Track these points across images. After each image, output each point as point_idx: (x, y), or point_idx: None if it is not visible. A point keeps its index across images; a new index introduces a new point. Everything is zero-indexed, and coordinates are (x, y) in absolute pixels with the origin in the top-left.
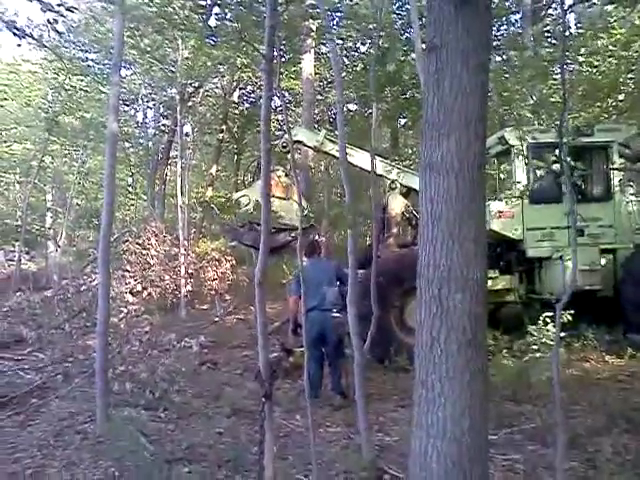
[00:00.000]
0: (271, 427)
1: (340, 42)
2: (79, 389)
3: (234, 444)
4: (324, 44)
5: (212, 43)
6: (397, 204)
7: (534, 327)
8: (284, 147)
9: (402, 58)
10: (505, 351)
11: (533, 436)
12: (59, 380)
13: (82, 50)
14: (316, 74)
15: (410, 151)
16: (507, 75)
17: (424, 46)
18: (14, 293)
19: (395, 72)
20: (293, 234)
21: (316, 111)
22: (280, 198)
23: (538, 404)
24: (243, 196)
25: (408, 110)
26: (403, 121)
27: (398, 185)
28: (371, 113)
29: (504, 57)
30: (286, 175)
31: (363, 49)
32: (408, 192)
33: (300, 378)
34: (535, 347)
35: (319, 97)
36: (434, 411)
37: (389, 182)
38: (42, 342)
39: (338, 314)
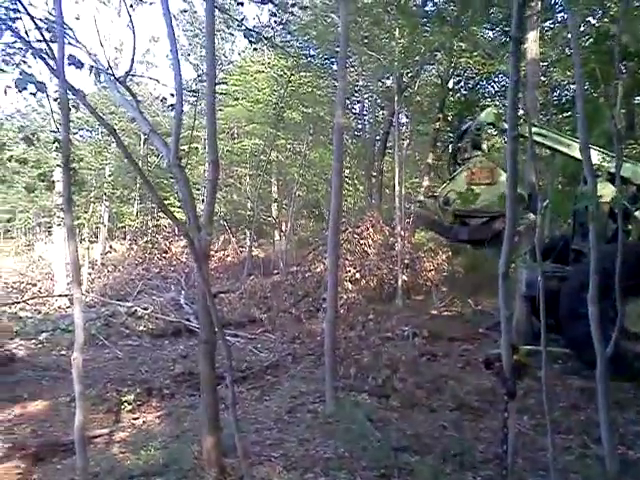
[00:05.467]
0: (514, 427)
1: (564, 17)
2: (307, 370)
3: (459, 439)
4: (548, 20)
5: (427, 29)
6: (606, 193)
7: None
8: (477, 130)
9: None
10: None
11: None
12: (289, 360)
13: (303, 47)
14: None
15: None
16: None
17: None
18: (247, 277)
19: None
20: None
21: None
22: (485, 184)
23: None
24: (450, 191)
25: None
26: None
27: (604, 172)
28: (601, 94)
29: None
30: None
31: (593, 22)
32: (612, 180)
33: (527, 377)
34: None
35: (542, 78)
36: None
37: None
38: (272, 323)
39: None
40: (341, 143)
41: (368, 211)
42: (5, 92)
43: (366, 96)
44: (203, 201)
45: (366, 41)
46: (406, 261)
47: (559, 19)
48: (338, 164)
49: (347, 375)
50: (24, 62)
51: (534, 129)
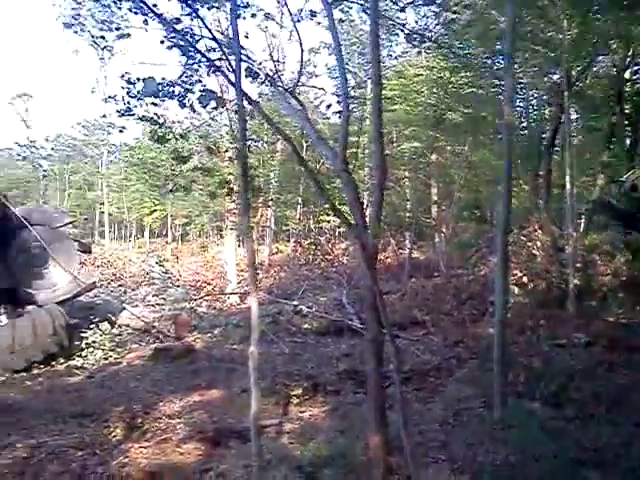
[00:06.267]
0: None
1: None
2: (471, 374)
3: None
4: None
5: (599, 16)
6: None
7: None
8: None
9: None
10: None
11: None
12: (452, 363)
13: (464, 46)
14: None
15: None
16: None
17: None
18: (407, 279)
19: None
20: None
21: None
22: None
23: None
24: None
25: None
26: None
27: None
28: None
29: None
30: None
31: None
32: None
33: None
34: None
35: None
36: None
37: None
38: (435, 326)
39: None
40: (510, 142)
41: (534, 212)
42: (193, 109)
43: (531, 93)
44: (362, 204)
45: (530, 35)
46: (578, 264)
47: None
48: (507, 163)
49: (516, 381)
50: (199, 81)
51: None
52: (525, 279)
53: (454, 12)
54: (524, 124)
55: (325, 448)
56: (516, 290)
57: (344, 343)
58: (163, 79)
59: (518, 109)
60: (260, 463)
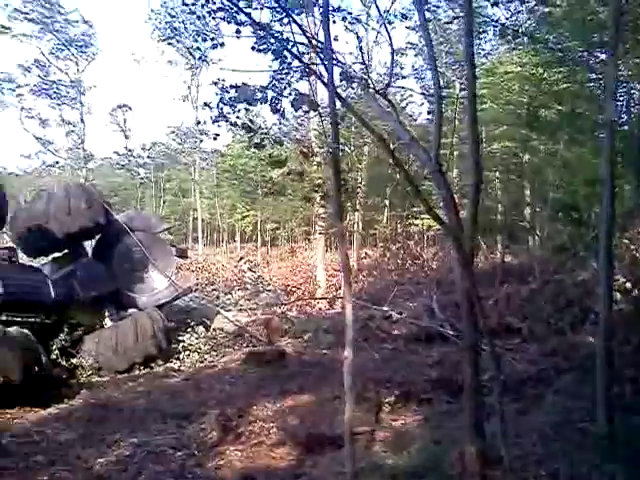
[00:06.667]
0: None
1: None
2: (571, 385)
3: None
4: None
5: None
6: None
7: None
8: None
9: None
10: None
11: None
12: (550, 373)
13: (559, 40)
14: None
15: None
16: None
17: None
18: (499, 284)
19: None
20: None
21: None
22: None
23: None
24: None
25: None
26: None
27: None
28: None
29: None
30: None
31: None
32: None
33: None
34: None
35: None
36: None
37: None
38: (530, 334)
39: None
40: (612, 139)
41: (638, 213)
42: (283, 115)
43: (632, 86)
44: (456, 205)
45: (631, 24)
46: None
47: None
48: (609, 161)
49: (622, 395)
50: (289, 84)
51: None
52: (628, 285)
53: (552, 5)
54: (624, 119)
55: (419, 458)
56: (618, 296)
57: (435, 350)
58: (254, 86)
59: (618, 104)
60: (354, 469)
